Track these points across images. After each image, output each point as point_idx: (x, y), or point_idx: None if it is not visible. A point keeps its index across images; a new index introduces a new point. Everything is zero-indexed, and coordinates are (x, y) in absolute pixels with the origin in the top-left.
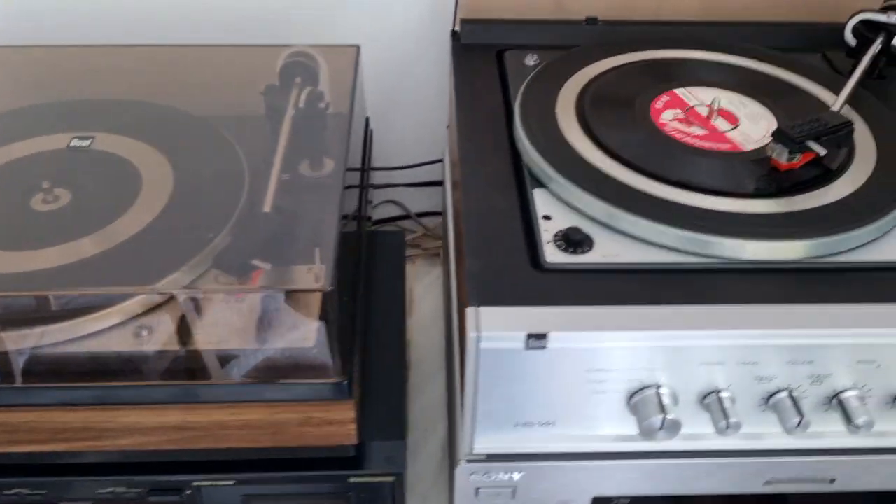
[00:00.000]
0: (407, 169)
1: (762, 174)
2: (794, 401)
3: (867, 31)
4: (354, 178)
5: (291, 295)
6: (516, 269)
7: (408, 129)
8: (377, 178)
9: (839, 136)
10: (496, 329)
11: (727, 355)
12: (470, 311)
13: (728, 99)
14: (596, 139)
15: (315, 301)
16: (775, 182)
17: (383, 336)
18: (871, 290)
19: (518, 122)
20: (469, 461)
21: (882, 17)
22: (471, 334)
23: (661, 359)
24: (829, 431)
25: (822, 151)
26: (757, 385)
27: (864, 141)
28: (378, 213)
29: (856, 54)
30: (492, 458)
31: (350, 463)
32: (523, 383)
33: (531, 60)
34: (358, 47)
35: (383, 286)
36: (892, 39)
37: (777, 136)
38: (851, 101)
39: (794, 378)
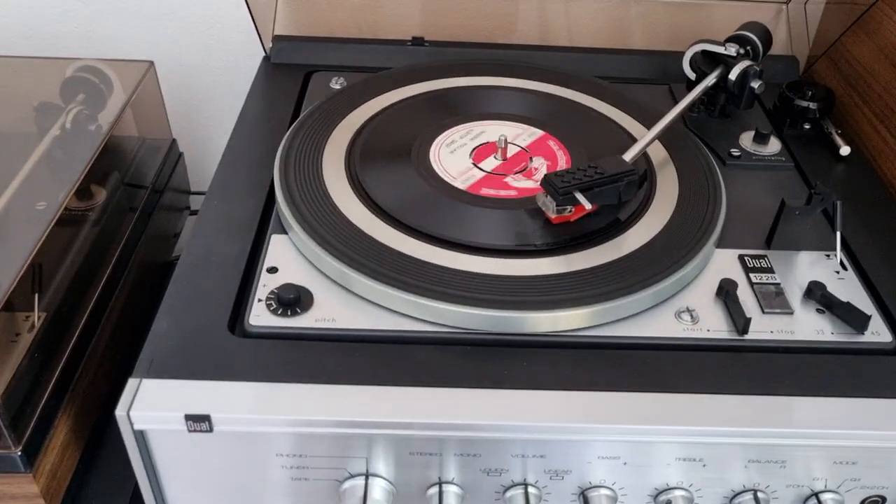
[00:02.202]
0: None
1: (538, 227)
2: (528, 498)
3: (705, 63)
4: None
5: None
6: (210, 333)
7: None
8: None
9: (618, 185)
10: (150, 408)
11: (444, 446)
12: (130, 384)
13: (527, 136)
14: (356, 183)
15: None
16: (552, 236)
17: None
18: (626, 375)
19: (278, 156)
20: None
21: (720, 49)
22: (119, 413)
23: (356, 446)
24: None
25: (588, 206)
26: (487, 478)
27: (670, 188)
28: None
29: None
30: None
31: None
32: (209, 467)
33: (337, 84)
34: (151, 63)
35: None
36: (729, 73)
37: (544, 185)
38: (669, 142)
39: (531, 473)
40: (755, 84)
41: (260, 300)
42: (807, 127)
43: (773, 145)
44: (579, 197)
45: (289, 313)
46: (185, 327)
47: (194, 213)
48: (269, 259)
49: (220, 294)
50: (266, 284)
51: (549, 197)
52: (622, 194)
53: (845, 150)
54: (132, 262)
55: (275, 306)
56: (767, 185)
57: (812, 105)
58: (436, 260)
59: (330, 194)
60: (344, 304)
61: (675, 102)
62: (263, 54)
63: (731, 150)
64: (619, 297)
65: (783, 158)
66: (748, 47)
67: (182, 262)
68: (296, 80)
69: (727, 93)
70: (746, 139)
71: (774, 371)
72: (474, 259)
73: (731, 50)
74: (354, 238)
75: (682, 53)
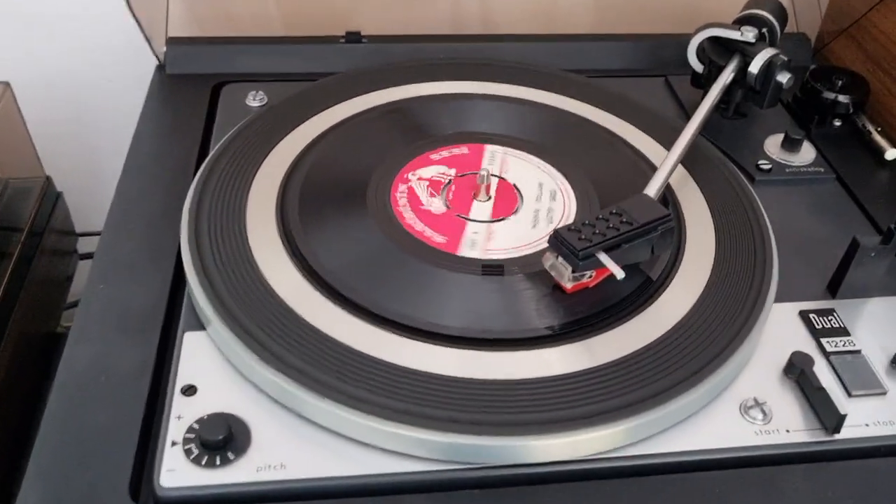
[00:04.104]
0: None
1: (542, 298)
2: None
3: (716, 53)
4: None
5: None
6: (104, 502)
7: None
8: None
9: (651, 238)
10: None
11: None
12: None
13: (513, 164)
14: (295, 252)
15: None
16: (567, 314)
17: None
18: None
19: (185, 216)
20: None
21: (735, 34)
22: None
23: None
24: None
25: (620, 274)
26: None
27: (702, 225)
28: None
29: (702, 83)
30: None
31: None
32: None
33: (255, 100)
34: (7, 84)
35: None
36: (748, 65)
37: (554, 244)
38: (687, 160)
39: None
40: (783, 78)
41: (175, 443)
42: (837, 123)
43: (807, 152)
44: (605, 260)
45: (218, 461)
46: (65, 498)
47: (85, 256)
48: (184, 373)
49: (114, 438)
50: (182, 415)
51: (561, 259)
52: (655, 248)
53: (892, 154)
54: (6, 338)
55: (197, 452)
56: (808, 203)
57: (843, 98)
58: (414, 362)
59: (261, 270)
60: (294, 438)
61: (676, 98)
62: (156, 63)
63: (759, 162)
64: (665, 401)
65: (821, 169)
66: (764, 30)
67: (58, 389)
68: (201, 96)
69: (745, 87)
70: (773, 145)
71: (887, 486)
72: (469, 356)
73: (749, 35)
74: (300, 336)
75: (674, 36)
